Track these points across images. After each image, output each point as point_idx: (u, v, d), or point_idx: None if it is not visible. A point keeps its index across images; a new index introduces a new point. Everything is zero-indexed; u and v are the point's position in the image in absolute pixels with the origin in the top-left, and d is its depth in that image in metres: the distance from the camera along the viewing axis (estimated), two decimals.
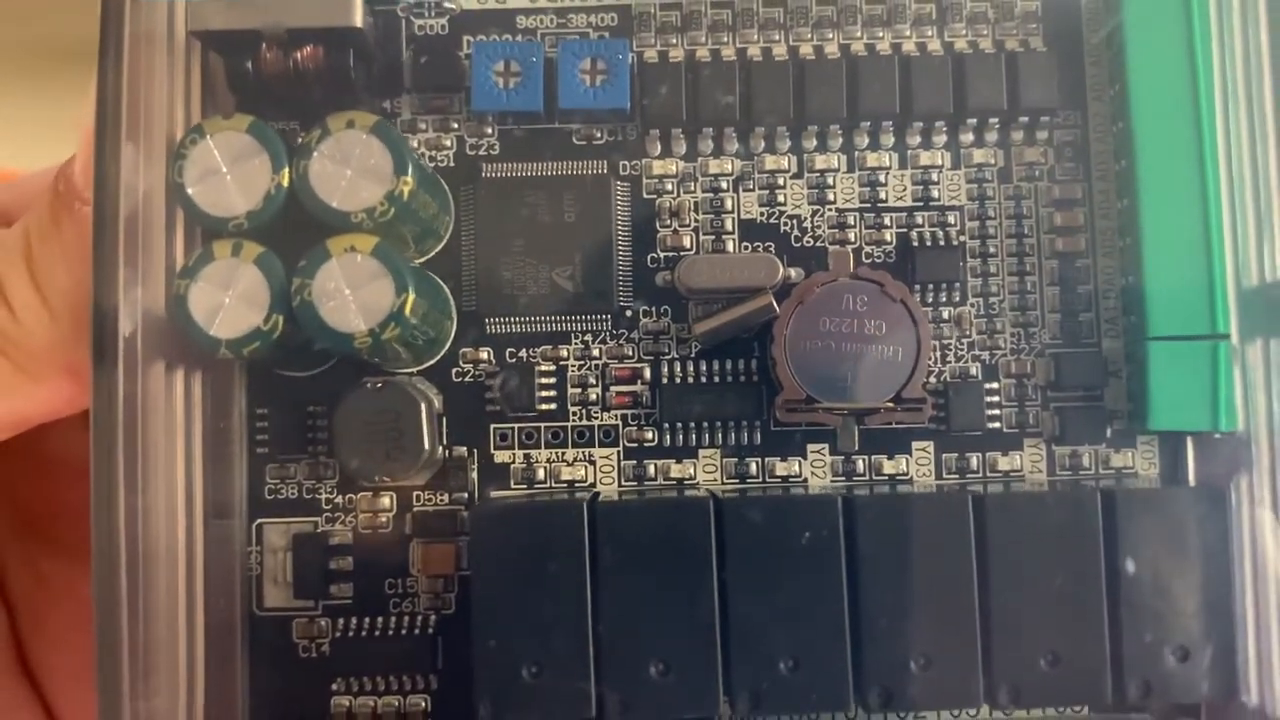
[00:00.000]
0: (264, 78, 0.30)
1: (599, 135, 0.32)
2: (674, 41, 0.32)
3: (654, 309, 0.32)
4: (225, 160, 0.27)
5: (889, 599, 0.27)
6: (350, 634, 0.31)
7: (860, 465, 0.31)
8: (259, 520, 0.32)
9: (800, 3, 0.32)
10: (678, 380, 0.32)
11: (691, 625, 0.27)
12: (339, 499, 0.32)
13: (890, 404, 0.30)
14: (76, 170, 0.28)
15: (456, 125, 0.32)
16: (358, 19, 0.29)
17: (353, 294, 0.27)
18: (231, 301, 0.27)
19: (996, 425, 0.31)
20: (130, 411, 0.27)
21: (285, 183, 0.27)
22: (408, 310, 0.27)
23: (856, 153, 0.32)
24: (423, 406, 0.30)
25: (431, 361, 0.32)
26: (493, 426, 0.32)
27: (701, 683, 0.27)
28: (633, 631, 0.27)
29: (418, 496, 0.32)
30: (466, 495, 0.32)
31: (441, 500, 0.32)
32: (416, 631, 0.31)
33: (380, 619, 0.31)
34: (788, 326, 0.30)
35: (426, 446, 0.30)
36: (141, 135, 0.27)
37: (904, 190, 0.32)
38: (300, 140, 0.27)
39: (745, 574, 0.27)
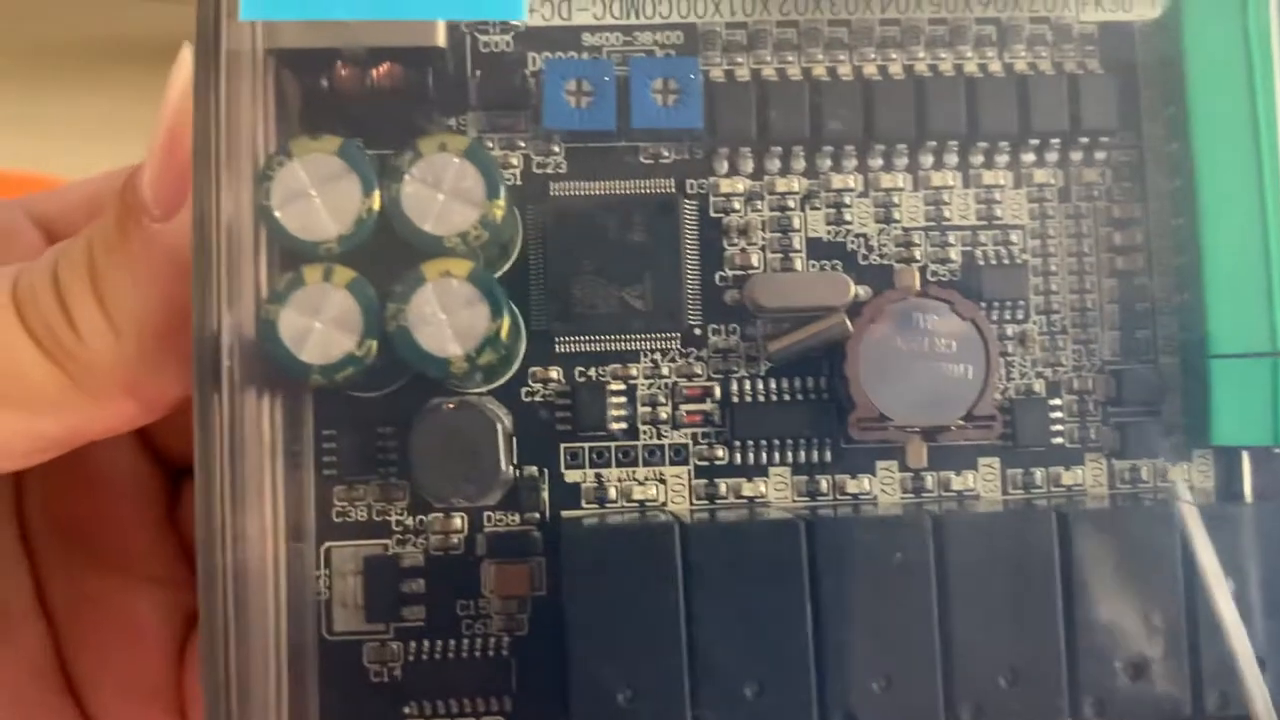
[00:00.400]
0: (339, 95, 0.29)
1: (666, 154, 0.32)
2: (740, 60, 0.32)
3: (723, 327, 0.32)
4: (313, 182, 0.27)
5: (975, 618, 0.28)
6: (423, 657, 0.31)
7: (929, 481, 0.32)
8: (327, 544, 0.31)
9: (865, 23, 0.33)
10: (748, 398, 0.32)
11: (786, 646, 0.28)
12: (410, 521, 0.32)
13: (961, 421, 0.31)
14: (145, 182, 0.27)
15: (523, 144, 0.32)
16: (440, 38, 0.28)
17: (448, 319, 0.27)
18: (323, 327, 0.27)
19: (1059, 441, 0.32)
20: (231, 439, 0.26)
21: (376, 206, 0.27)
22: (503, 335, 0.27)
23: (921, 172, 0.32)
24: (499, 428, 0.30)
25: (501, 381, 0.32)
26: (563, 446, 0.32)
27: (796, 704, 0.28)
28: (727, 654, 0.28)
29: (489, 517, 0.32)
30: (539, 515, 0.32)
31: (513, 521, 0.32)
32: (490, 654, 0.31)
33: (453, 641, 0.31)
34: (860, 344, 0.31)
35: (504, 468, 0.30)
36: (227, 156, 0.26)
37: (967, 209, 0.33)
38: (390, 162, 0.27)
39: (838, 594, 0.28)
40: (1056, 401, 0.32)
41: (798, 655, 0.28)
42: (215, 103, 0.26)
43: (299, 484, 0.31)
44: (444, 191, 0.27)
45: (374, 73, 0.29)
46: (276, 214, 0.26)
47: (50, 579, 0.35)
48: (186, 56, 0.28)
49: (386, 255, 0.27)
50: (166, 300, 0.28)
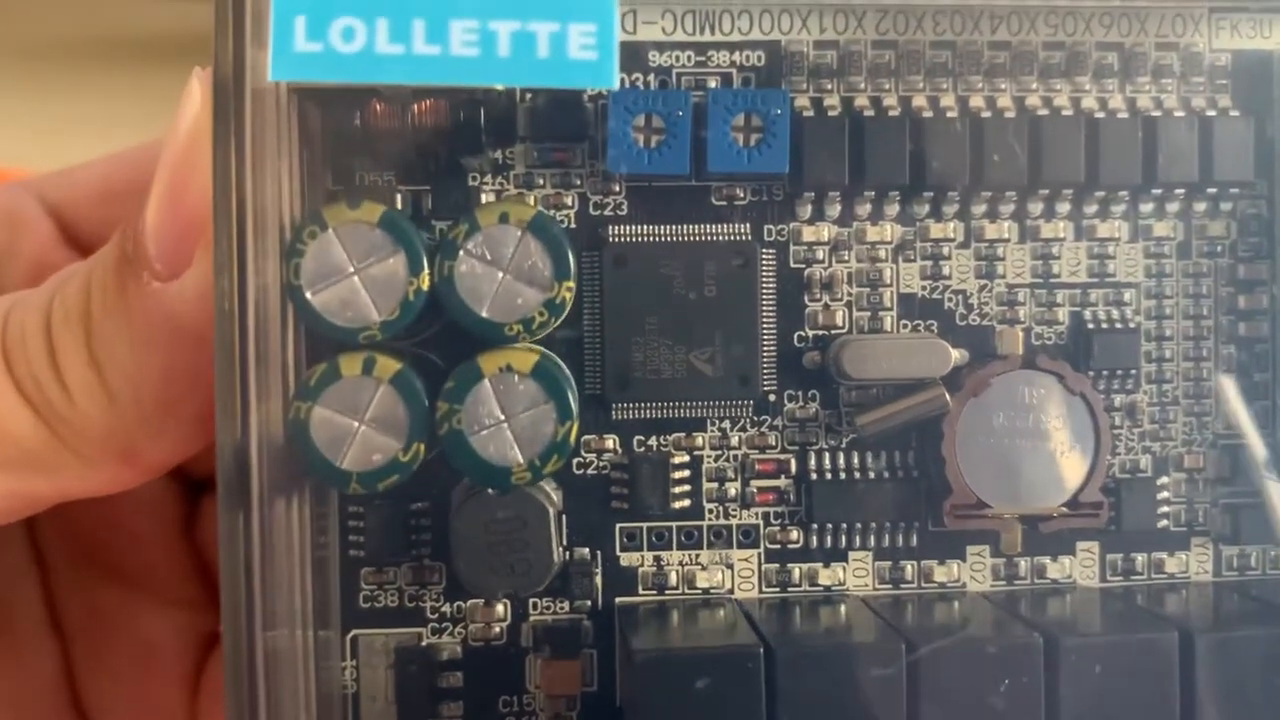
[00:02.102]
0: (372, 135, 0.25)
1: (741, 195, 0.28)
2: (829, 87, 0.28)
3: (800, 394, 0.29)
4: (353, 257, 0.23)
5: None
6: None
7: (1022, 568, 0.29)
8: (354, 631, 0.28)
9: (971, 46, 0.28)
10: (827, 475, 0.28)
11: None
12: (446, 607, 0.28)
13: (1065, 509, 0.28)
14: (148, 229, 0.24)
15: (579, 181, 0.28)
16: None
17: (509, 421, 0.23)
18: (363, 428, 0.23)
19: (1164, 524, 0.29)
20: (262, 549, 0.22)
21: (425, 286, 0.23)
22: (572, 439, 0.23)
23: (1030, 221, 0.29)
24: (550, 512, 0.26)
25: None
26: (618, 526, 0.28)
27: None
28: None
29: (535, 604, 0.28)
30: (590, 603, 0.28)
31: (562, 609, 0.28)
32: None
33: None
34: (959, 422, 0.27)
35: (556, 560, 0.27)
36: (253, 223, 0.22)
37: (1078, 264, 0.29)
38: (446, 235, 0.23)
39: None
40: (1164, 480, 0.29)
41: None
42: (240, 158, 0.21)
43: (323, 566, 0.27)
44: (505, 270, 0.23)
45: (415, 109, 0.25)
46: (308, 295, 0.22)
47: (63, 595, 0.33)
48: (195, 90, 0.23)
49: (437, 343, 0.23)
50: (165, 366, 0.25)
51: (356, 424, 0.23)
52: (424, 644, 0.28)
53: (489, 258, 0.23)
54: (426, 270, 0.23)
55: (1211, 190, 0.29)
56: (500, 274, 0.23)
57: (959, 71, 0.28)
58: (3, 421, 0.25)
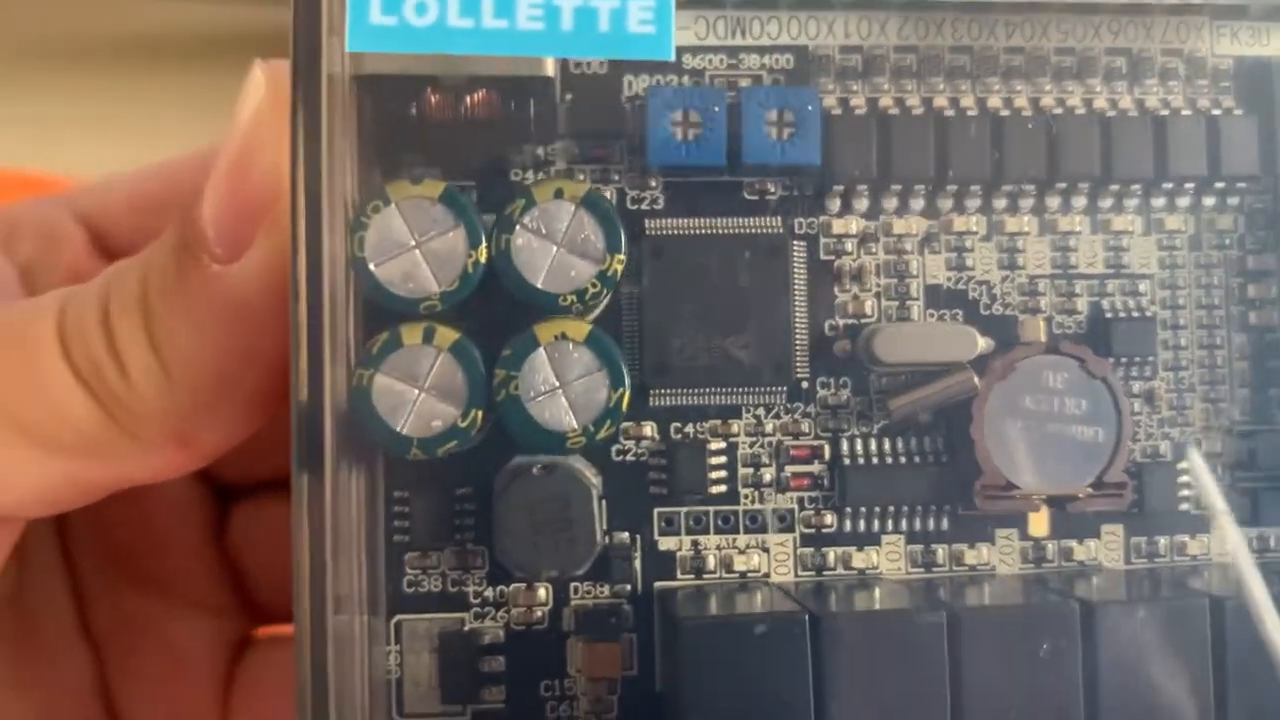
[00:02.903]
0: (427, 124, 0.26)
1: (772, 189, 0.29)
2: (855, 88, 0.30)
3: (832, 381, 0.29)
4: (414, 231, 0.23)
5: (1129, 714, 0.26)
6: None
7: (1050, 551, 0.30)
8: (398, 616, 0.28)
9: (988, 50, 0.30)
10: (859, 460, 0.29)
11: None
12: (489, 592, 0.29)
13: (1090, 489, 0.29)
14: (207, 217, 0.24)
15: (617, 176, 0.29)
16: (550, 68, 0.25)
17: (564, 388, 0.24)
18: (423, 395, 0.23)
19: (1185, 507, 0.30)
20: (334, 519, 0.23)
21: (483, 259, 0.24)
22: (625, 406, 0.24)
23: (1048, 215, 0.30)
24: (594, 493, 0.27)
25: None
26: (657, 511, 0.29)
27: None
28: None
29: (575, 589, 0.29)
30: (629, 587, 0.29)
31: (602, 593, 0.29)
32: None
33: None
34: (986, 405, 0.28)
35: (599, 540, 0.27)
36: (329, 203, 0.23)
37: (1095, 256, 0.30)
38: (504, 211, 0.24)
39: (984, 691, 0.25)
40: (1183, 465, 0.30)
41: None
42: (317, 137, 0.22)
43: (372, 552, 0.28)
44: (559, 243, 0.24)
45: (468, 101, 0.26)
46: (372, 267, 0.23)
47: (94, 601, 0.33)
48: (259, 81, 0.24)
49: (493, 314, 0.24)
50: (224, 347, 0.25)
51: (417, 391, 0.23)
52: (466, 629, 0.28)
53: (544, 232, 0.24)
54: (485, 244, 0.24)
55: (1219, 185, 0.30)
56: (555, 248, 0.24)
57: (977, 74, 0.30)
58: (61, 407, 0.25)
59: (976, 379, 0.28)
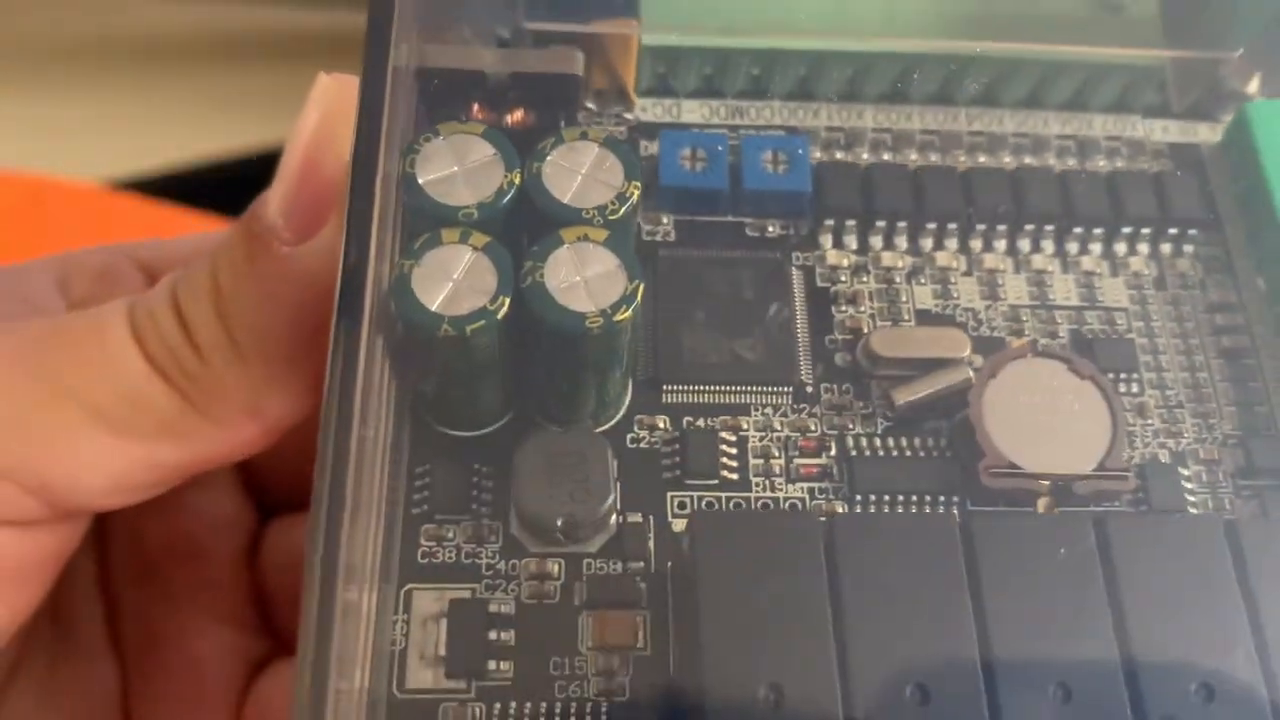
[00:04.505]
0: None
1: (771, 230, 0.33)
2: (839, 156, 0.34)
3: (835, 387, 0.31)
4: (458, 158, 0.27)
5: (1155, 620, 0.25)
6: None
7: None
8: (408, 585, 0.28)
9: (953, 131, 0.35)
10: (865, 453, 0.30)
11: (949, 650, 0.24)
12: (501, 564, 0.28)
13: (1093, 471, 0.29)
14: (273, 208, 0.27)
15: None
16: (579, 67, 0.30)
17: (583, 279, 0.26)
18: (456, 285, 0.26)
19: (1193, 509, 0.30)
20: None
21: (517, 181, 0.27)
22: (639, 296, 0.26)
23: (1021, 255, 0.33)
24: (609, 448, 0.28)
25: (607, 425, 0.30)
26: (670, 495, 0.30)
27: (964, 713, 0.24)
28: (882, 656, 0.24)
29: (589, 564, 0.29)
30: (643, 565, 0.29)
31: (615, 568, 0.29)
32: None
33: (544, 704, 0.27)
34: (985, 393, 0.30)
35: (612, 491, 0.28)
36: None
37: (1070, 291, 0.33)
38: (536, 147, 0.28)
39: (1001, 594, 0.25)
40: (1184, 471, 0.31)
41: (964, 659, 0.24)
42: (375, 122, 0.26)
43: (391, 521, 0.28)
44: (583, 172, 0.27)
45: (509, 119, 0.30)
46: (420, 181, 0.27)
47: (124, 612, 0.32)
48: (325, 82, 0.28)
49: (525, 228, 0.27)
50: (295, 321, 0.27)
51: (450, 281, 0.26)
52: (476, 599, 0.28)
53: (571, 164, 0.27)
54: (519, 169, 0.27)
55: (1173, 230, 0.33)
56: (579, 175, 0.27)
57: (945, 149, 0.35)
58: (138, 393, 0.27)
59: (971, 371, 0.30)
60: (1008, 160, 0.35)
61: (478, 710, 0.27)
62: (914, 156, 0.34)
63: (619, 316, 0.26)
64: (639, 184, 0.27)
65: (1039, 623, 0.25)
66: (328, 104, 0.28)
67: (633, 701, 0.27)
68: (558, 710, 0.27)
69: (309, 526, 0.23)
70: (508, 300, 0.26)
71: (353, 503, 0.23)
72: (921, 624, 0.24)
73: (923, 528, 0.26)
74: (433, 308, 0.26)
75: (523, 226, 0.27)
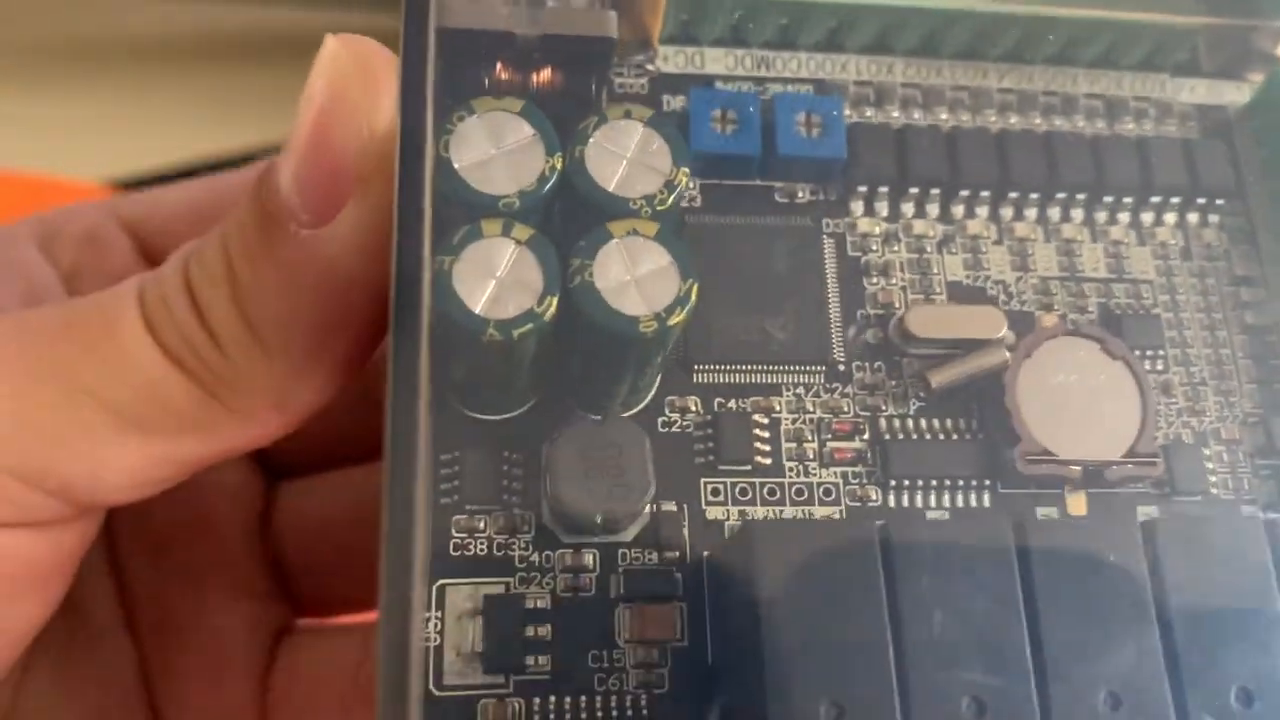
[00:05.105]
0: (492, 88, 0.28)
1: (801, 194, 0.32)
2: (869, 114, 0.33)
3: (867, 365, 0.31)
4: (495, 140, 0.25)
5: (1198, 627, 0.25)
6: (549, 717, 0.26)
7: None
8: (441, 581, 0.27)
9: (984, 89, 0.34)
10: (899, 436, 0.30)
11: (1004, 655, 0.24)
12: (534, 556, 0.28)
13: (1124, 457, 0.29)
14: (287, 183, 0.25)
15: None
16: (613, 28, 0.28)
17: (634, 278, 0.25)
18: (500, 282, 0.24)
19: (1215, 491, 0.31)
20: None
21: (559, 166, 0.25)
22: (694, 297, 0.25)
23: (1051, 225, 0.33)
24: (647, 441, 0.27)
25: (637, 409, 0.29)
26: (703, 481, 0.29)
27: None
28: (941, 664, 0.24)
29: (624, 555, 0.28)
30: (678, 555, 0.28)
31: (651, 559, 0.28)
32: (629, 713, 0.27)
33: (584, 698, 0.27)
34: (1018, 377, 0.30)
35: (652, 484, 0.27)
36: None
37: (1098, 262, 0.33)
38: (574, 128, 0.26)
39: (1056, 599, 0.25)
40: (1206, 451, 0.31)
41: (1019, 665, 0.24)
42: (420, 91, 0.23)
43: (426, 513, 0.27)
44: (628, 157, 0.26)
45: (535, 78, 0.28)
46: (456, 166, 0.25)
47: (137, 594, 0.31)
48: (334, 50, 0.26)
49: (567, 217, 0.26)
50: (318, 310, 0.25)
51: (494, 279, 0.24)
52: (511, 594, 0.27)
53: (614, 146, 0.26)
54: (560, 153, 0.25)
55: (1200, 200, 0.33)
56: (624, 160, 0.26)
57: (976, 107, 0.33)
58: (155, 387, 0.25)
59: (1007, 353, 0.30)
60: (1038, 121, 0.33)
61: (517, 705, 0.27)
62: (945, 115, 0.33)
63: (673, 320, 0.25)
64: (688, 171, 0.26)
65: (1089, 631, 0.25)
66: (336, 70, 0.26)
67: (673, 692, 0.27)
68: (598, 703, 0.27)
69: (384, 530, 0.22)
70: (555, 301, 0.24)
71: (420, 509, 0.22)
72: (975, 631, 0.24)
73: (972, 531, 0.25)
74: (476, 309, 0.24)
75: (562, 213, 0.26)
